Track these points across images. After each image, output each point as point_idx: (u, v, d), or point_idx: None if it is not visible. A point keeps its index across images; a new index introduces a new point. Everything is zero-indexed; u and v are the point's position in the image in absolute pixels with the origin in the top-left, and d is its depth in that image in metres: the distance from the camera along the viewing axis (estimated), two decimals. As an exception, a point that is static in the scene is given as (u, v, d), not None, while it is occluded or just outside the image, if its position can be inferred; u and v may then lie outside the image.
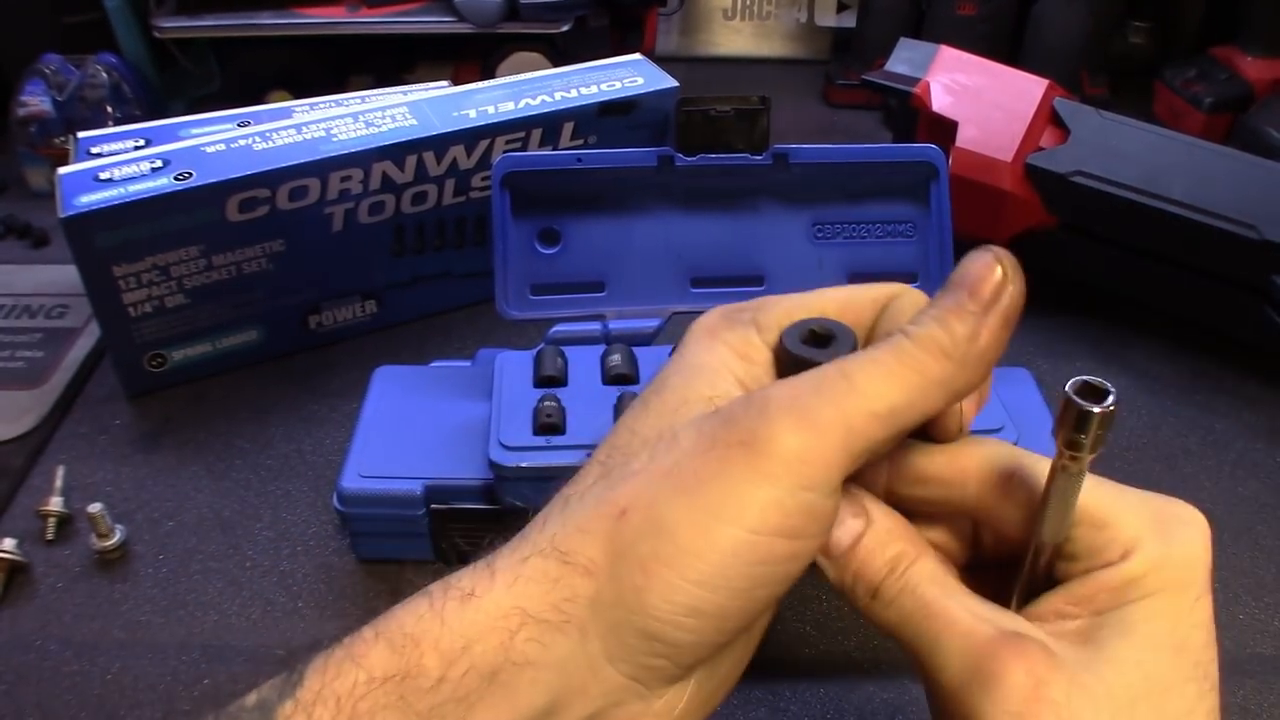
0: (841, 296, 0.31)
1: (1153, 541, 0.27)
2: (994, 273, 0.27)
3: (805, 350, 0.29)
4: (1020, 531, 0.28)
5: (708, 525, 0.25)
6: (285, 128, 0.60)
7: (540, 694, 0.25)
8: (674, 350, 0.31)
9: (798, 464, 0.25)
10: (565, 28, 0.85)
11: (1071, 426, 0.25)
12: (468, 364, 0.56)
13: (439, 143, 0.61)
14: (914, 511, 0.30)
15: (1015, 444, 0.45)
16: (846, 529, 0.28)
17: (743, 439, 0.26)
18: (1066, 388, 0.26)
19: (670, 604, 0.25)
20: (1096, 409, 0.25)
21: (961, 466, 0.29)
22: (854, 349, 0.29)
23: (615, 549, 0.26)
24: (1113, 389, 0.25)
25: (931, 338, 0.27)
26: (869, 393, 0.26)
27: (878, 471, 0.29)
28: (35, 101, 0.77)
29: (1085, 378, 0.26)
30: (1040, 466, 0.28)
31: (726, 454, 0.26)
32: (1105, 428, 0.25)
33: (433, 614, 0.26)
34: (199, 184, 0.56)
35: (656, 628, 0.25)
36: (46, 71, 0.78)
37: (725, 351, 0.30)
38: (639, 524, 0.26)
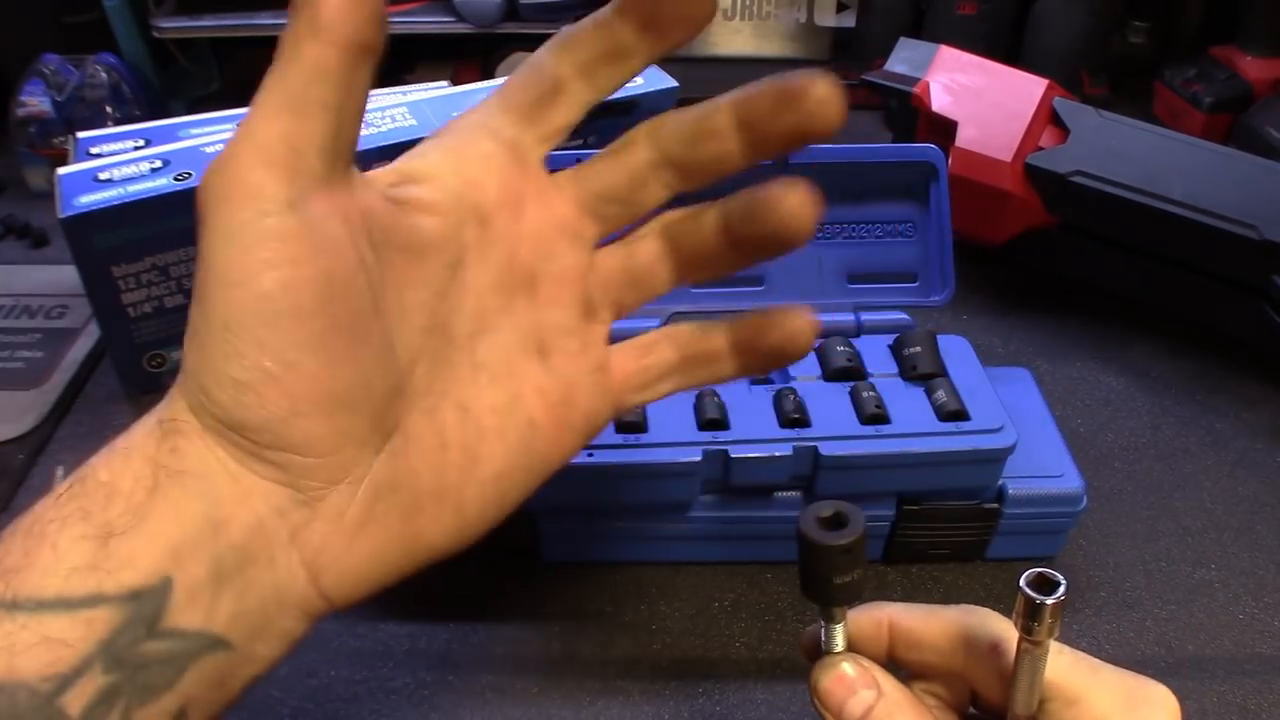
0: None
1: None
2: None
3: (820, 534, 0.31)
4: (1003, 699, 0.31)
5: (203, 301, 0.26)
6: (285, 128, 0.60)
7: (197, 502, 0.26)
8: None
9: (232, 206, 0.26)
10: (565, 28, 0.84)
11: (1026, 616, 0.28)
12: (467, 364, 0.56)
13: (439, 143, 0.61)
14: (915, 674, 0.33)
15: (1013, 446, 0.46)
16: (859, 700, 0.30)
17: (198, 218, 0.26)
18: (1021, 581, 0.28)
19: (220, 387, 0.26)
20: (1049, 601, 0.27)
21: (951, 635, 0.32)
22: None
23: (187, 353, 0.27)
24: (1063, 580, 0.28)
25: (282, 37, 0.26)
26: (261, 103, 0.26)
27: (880, 637, 0.32)
28: (35, 101, 0.77)
29: (1039, 570, 0.28)
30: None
31: (198, 241, 0.26)
32: (1058, 616, 0.27)
33: (107, 447, 0.28)
34: (199, 184, 0.56)
35: (227, 414, 0.26)
36: (46, 71, 0.78)
37: None
38: (194, 319, 0.27)
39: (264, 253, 0.25)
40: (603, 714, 0.44)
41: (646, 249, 0.33)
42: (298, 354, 0.26)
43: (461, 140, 0.31)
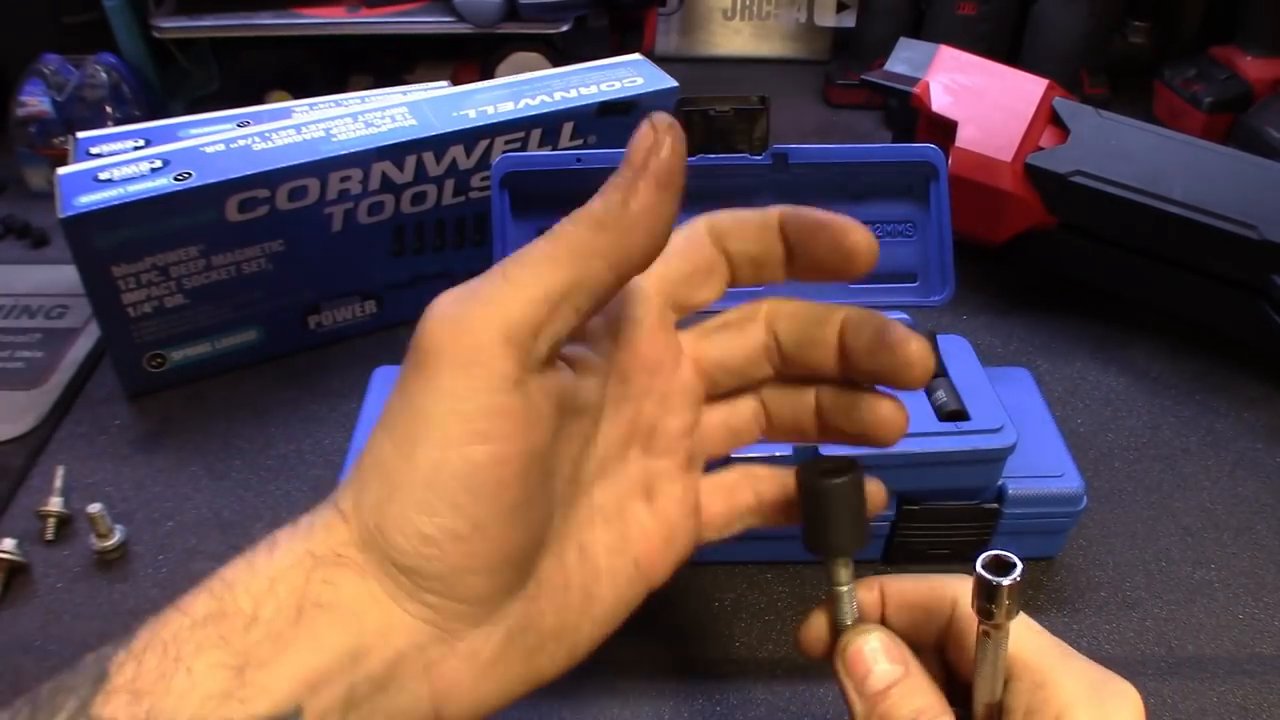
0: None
1: (1085, 710, 0.28)
2: (646, 139, 0.28)
3: (820, 481, 0.31)
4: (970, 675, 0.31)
5: (408, 453, 0.26)
6: (285, 128, 0.60)
7: (341, 634, 0.26)
8: None
9: (463, 371, 0.26)
10: (565, 28, 0.85)
11: (983, 599, 0.27)
12: (467, 364, 0.56)
13: (438, 143, 0.61)
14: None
15: (1013, 446, 0.46)
16: (884, 673, 0.30)
17: (414, 360, 0.27)
18: (977, 564, 0.27)
19: (405, 536, 0.26)
20: (1005, 582, 0.27)
21: (941, 596, 0.32)
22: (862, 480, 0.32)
23: (355, 495, 0.28)
24: (1019, 562, 0.27)
25: (587, 212, 0.28)
26: (524, 281, 0.27)
27: (874, 604, 0.33)
28: (35, 101, 0.77)
29: (995, 551, 0.28)
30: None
31: (405, 379, 0.27)
32: (1014, 598, 0.27)
33: (246, 563, 0.27)
34: (199, 184, 0.56)
35: (404, 560, 0.27)
36: (46, 71, 0.78)
37: None
38: (364, 467, 0.28)
39: (483, 424, 0.26)
40: (603, 714, 0.44)
41: (746, 408, 0.36)
42: (489, 520, 0.27)
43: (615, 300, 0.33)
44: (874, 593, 0.33)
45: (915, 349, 0.31)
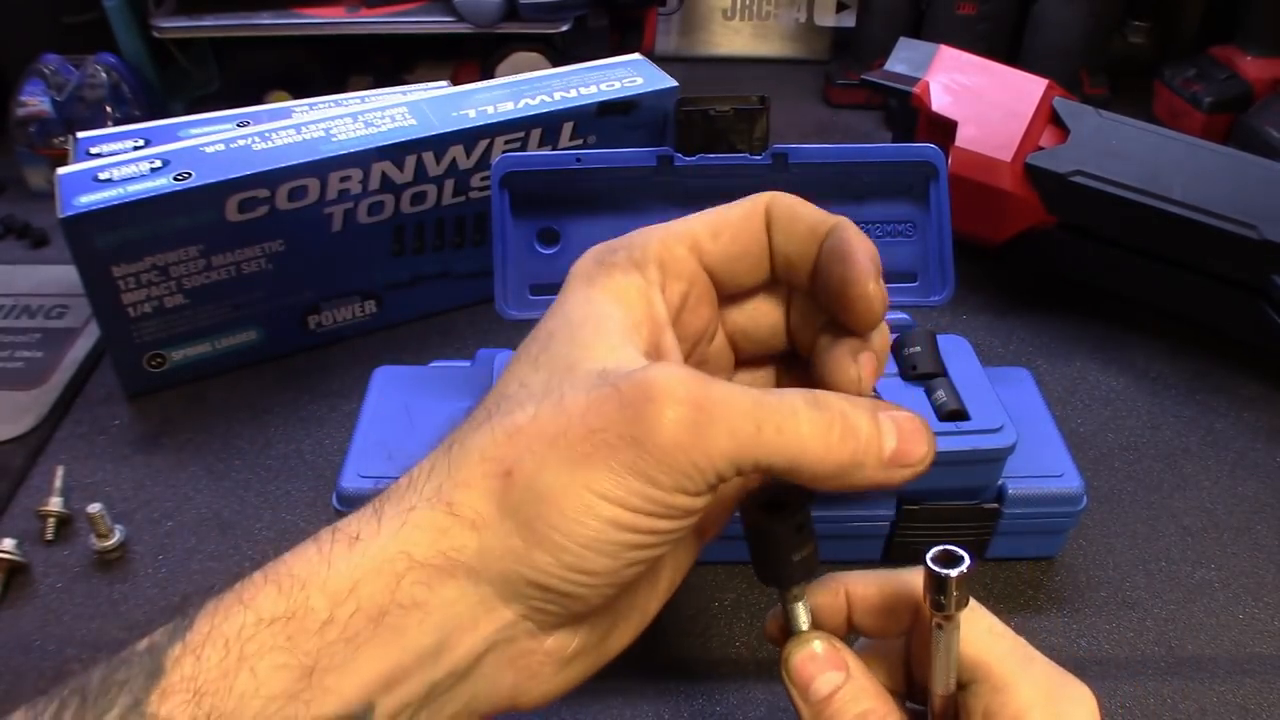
0: (718, 221, 0.33)
1: (1040, 713, 0.29)
2: (926, 446, 0.29)
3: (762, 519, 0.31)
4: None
5: (589, 501, 0.26)
6: (285, 128, 0.60)
7: (428, 634, 0.26)
8: (557, 299, 0.32)
9: (677, 472, 0.26)
10: (565, 28, 0.85)
11: (933, 590, 0.28)
12: (467, 364, 0.56)
13: (438, 143, 0.61)
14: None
15: (1013, 446, 0.46)
16: (827, 680, 0.31)
17: (632, 433, 0.26)
18: (926, 558, 0.28)
19: (558, 562, 0.27)
20: (953, 574, 0.27)
21: (903, 593, 0.32)
22: (808, 514, 0.31)
23: (503, 507, 0.27)
24: (968, 555, 0.27)
25: (868, 440, 0.28)
26: (767, 442, 0.27)
27: (838, 607, 0.32)
28: (34, 101, 0.77)
29: (945, 545, 0.28)
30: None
31: (614, 441, 0.26)
32: (963, 589, 0.28)
33: (320, 557, 0.27)
34: (198, 184, 0.56)
35: (546, 579, 0.27)
36: (46, 71, 0.78)
37: (606, 301, 0.31)
38: (525, 486, 0.27)
39: (664, 510, 0.27)
40: (602, 714, 0.44)
41: (763, 379, 0.37)
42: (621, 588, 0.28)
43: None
44: (839, 598, 0.33)
45: (873, 290, 0.31)
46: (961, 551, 0.28)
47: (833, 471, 0.28)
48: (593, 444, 0.26)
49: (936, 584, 0.27)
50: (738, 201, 0.33)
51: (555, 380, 0.28)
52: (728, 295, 0.35)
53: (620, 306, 0.30)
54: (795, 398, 0.28)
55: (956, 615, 0.28)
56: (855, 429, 0.28)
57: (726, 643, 0.47)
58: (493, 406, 0.29)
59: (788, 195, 0.33)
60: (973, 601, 0.30)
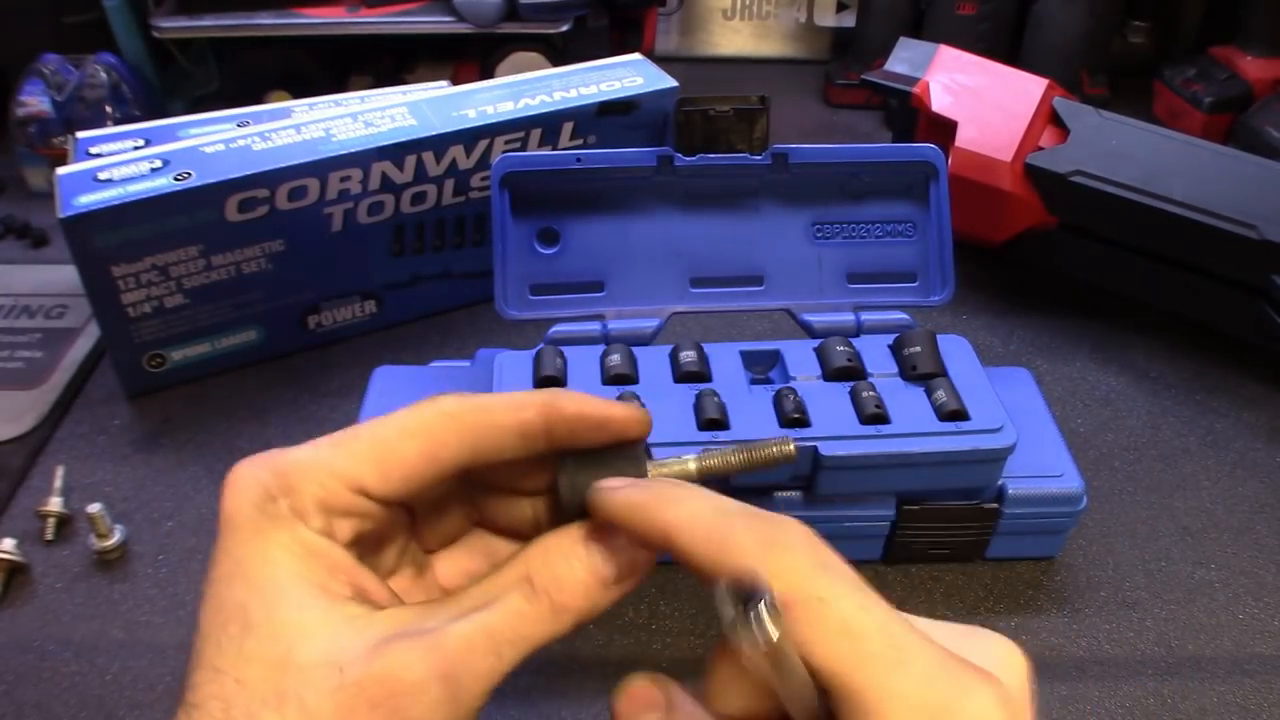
0: (387, 456, 0.29)
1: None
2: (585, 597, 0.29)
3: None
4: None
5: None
6: (284, 128, 0.60)
7: None
8: (218, 549, 0.28)
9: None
10: (565, 28, 0.85)
11: (749, 634, 0.23)
12: (467, 364, 0.56)
13: (438, 143, 0.61)
14: None
15: (1013, 446, 0.46)
16: None
17: None
18: (724, 606, 0.23)
19: None
20: (761, 610, 0.22)
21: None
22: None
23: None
24: (764, 592, 0.23)
25: (582, 599, 0.29)
26: (510, 659, 0.27)
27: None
28: (34, 101, 0.77)
29: (725, 582, 0.23)
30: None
31: None
32: (775, 614, 0.23)
33: None
34: (198, 184, 0.56)
35: None
36: (46, 71, 0.78)
37: (287, 560, 0.28)
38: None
39: None
40: (603, 714, 0.44)
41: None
42: None
43: None
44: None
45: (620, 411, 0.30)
46: (755, 588, 0.23)
47: (549, 634, 0.28)
48: None
49: (750, 622, 0.22)
50: (415, 417, 0.30)
51: (277, 678, 0.26)
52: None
53: (305, 563, 0.28)
54: (510, 595, 0.28)
55: (782, 643, 0.23)
56: (569, 605, 0.28)
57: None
58: (209, 707, 0.26)
59: (465, 398, 0.31)
60: (810, 585, 0.24)
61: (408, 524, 0.32)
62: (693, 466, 0.31)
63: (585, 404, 0.30)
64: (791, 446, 0.30)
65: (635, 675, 0.29)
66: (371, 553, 0.31)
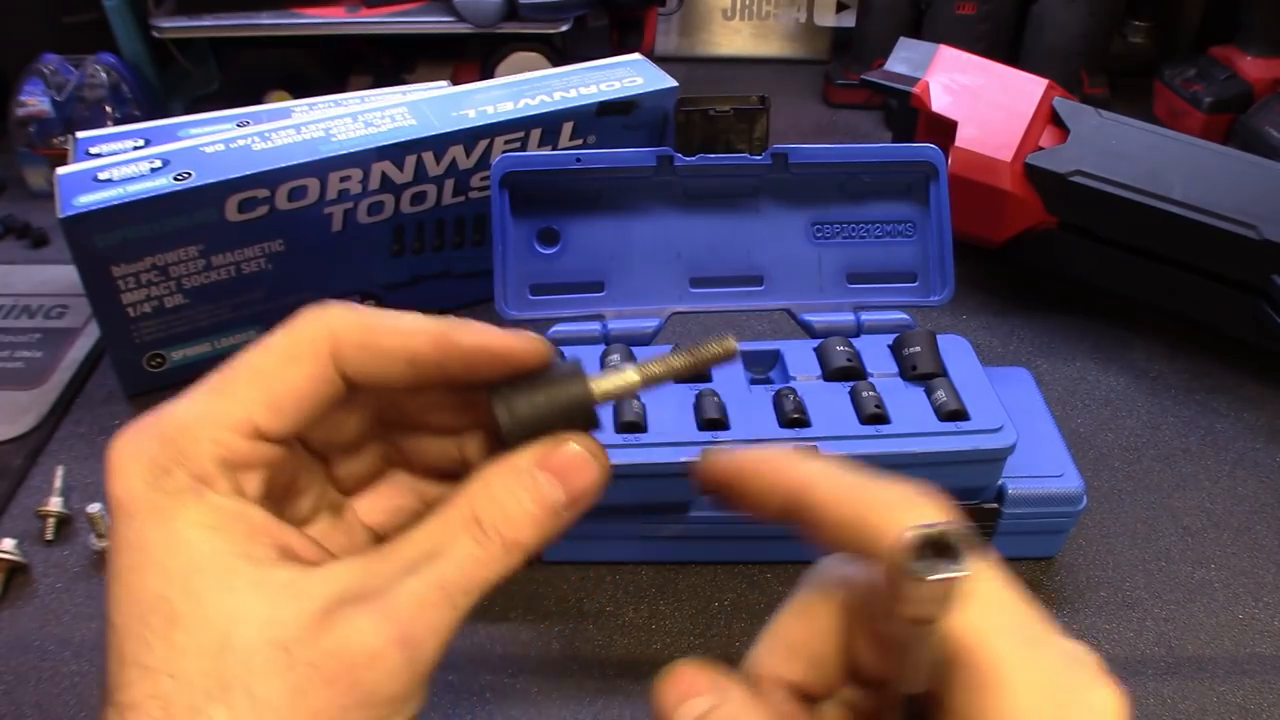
0: (276, 392, 0.27)
1: None
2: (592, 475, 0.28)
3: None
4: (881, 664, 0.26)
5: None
6: (284, 128, 0.60)
7: None
8: (117, 537, 0.25)
9: (405, 700, 0.25)
10: (565, 28, 0.85)
11: (919, 597, 0.22)
12: (467, 364, 0.56)
13: (438, 143, 0.61)
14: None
15: (1013, 446, 0.46)
16: (691, 707, 0.26)
17: (355, 701, 0.24)
18: (906, 554, 0.21)
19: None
20: (956, 576, 0.21)
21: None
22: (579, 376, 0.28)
23: None
24: (964, 532, 0.21)
25: (525, 529, 0.27)
26: (467, 597, 0.26)
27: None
28: (34, 101, 0.77)
29: (929, 525, 0.21)
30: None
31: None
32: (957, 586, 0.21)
33: None
34: (198, 184, 0.56)
35: None
36: (45, 71, 0.78)
37: (200, 538, 0.25)
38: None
39: None
40: (603, 714, 0.44)
41: None
42: None
43: None
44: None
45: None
46: (956, 533, 0.21)
47: (502, 573, 0.27)
48: None
49: (927, 589, 0.21)
50: (292, 340, 0.27)
51: (218, 669, 0.24)
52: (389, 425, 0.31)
53: (220, 535, 0.25)
54: (459, 540, 0.26)
55: (958, 588, 0.21)
56: (521, 540, 0.27)
57: (726, 642, 0.47)
58: (145, 706, 0.24)
59: (348, 313, 0.27)
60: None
61: (321, 470, 0.30)
62: (636, 377, 0.28)
63: (486, 335, 0.27)
64: (733, 342, 0.28)
65: (681, 661, 0.27)
66: (285, 504, 0.29)
